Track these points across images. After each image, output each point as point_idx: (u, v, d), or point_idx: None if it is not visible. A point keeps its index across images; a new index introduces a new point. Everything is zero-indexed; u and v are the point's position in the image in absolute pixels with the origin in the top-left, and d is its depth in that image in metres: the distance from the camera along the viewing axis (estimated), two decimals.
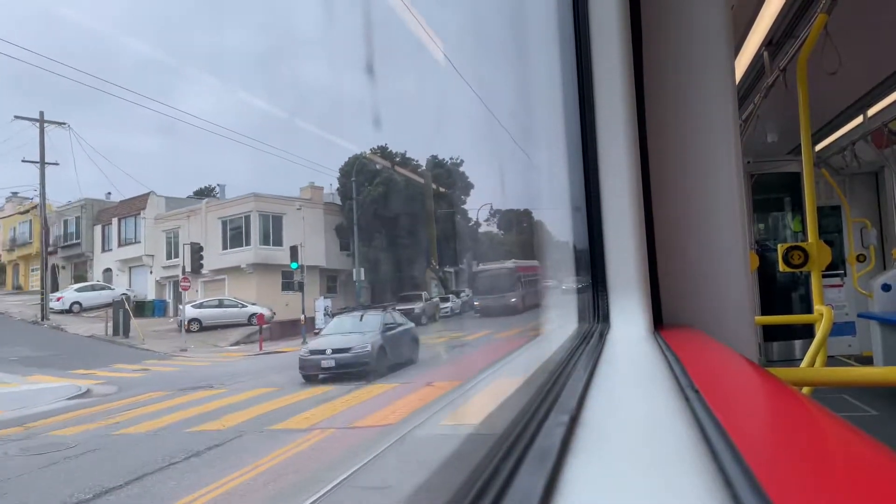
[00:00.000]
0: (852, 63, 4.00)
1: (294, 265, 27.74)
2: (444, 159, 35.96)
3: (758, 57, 4.84)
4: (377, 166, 33.64)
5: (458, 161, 35.74)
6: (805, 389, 3.05)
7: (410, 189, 33.86)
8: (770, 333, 9.13)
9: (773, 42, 4.55)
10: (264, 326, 27.23)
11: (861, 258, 8.80)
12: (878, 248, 9.11)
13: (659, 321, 1.38)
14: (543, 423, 0.65)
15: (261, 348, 23.57)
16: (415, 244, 34.68)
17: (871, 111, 6.42)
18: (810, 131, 3.80)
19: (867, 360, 8.33)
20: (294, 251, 28.37)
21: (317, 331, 24.96)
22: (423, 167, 35.39)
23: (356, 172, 33.52)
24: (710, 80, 1.38)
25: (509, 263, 30.02)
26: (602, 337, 1.29)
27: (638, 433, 0.62)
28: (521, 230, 43.55)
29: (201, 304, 29.32)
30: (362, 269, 31.92)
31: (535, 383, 1.06)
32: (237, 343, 25.41)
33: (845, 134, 7.33)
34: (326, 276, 34.17)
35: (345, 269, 33.88)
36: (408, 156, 36.56)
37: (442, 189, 34.72)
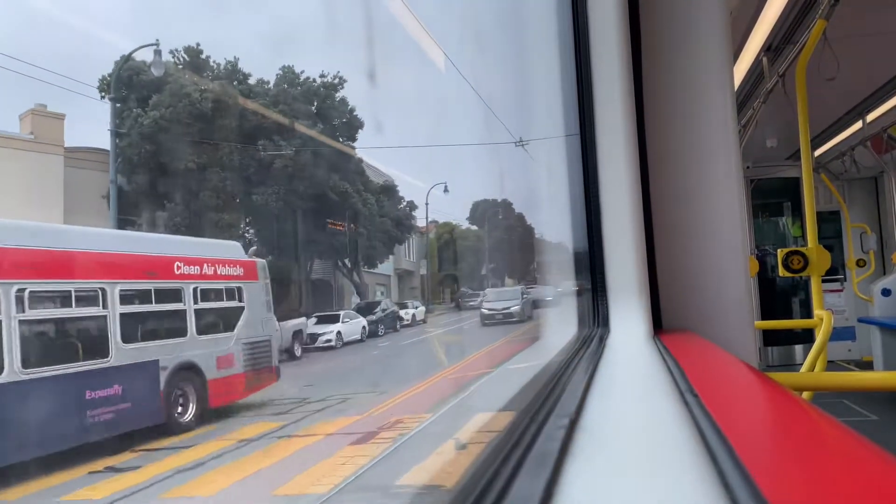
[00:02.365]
0: (851, 69, 4.01)
1: None
2: (303, 74, 21.63)
3: (757, 62, 4.85)
4: (156, 73, 17.84)
5: (335, 81, 22.11)
6: (805, 394, 3.05)
7: (225, 119, 18.65)
8: (770, 338, 9.12)
9: (773, 48, 4.56)
10: None
11: (861, 263, 8.81)
12: (877, 253, 9.11)
13: (658, 325, 1.38)
14: (543, 426, 0.65)
15: None
16: (239, 222, 19.93)
17: (870, 117, 6.42)
18: (809, 136, 3.81)
19: (867, 365, 8.32)
20: None
21: None
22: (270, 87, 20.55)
23: (115, 86, 17.62)
24: (710, 86, 1.38)
25: None
26: (602, 341, 1.29)
27: (637, 437, 0.62)
28: (496, 225, 34.82)
29: None
30: None
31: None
32: None
33: (844, 139, 7.34)
34: None
35: None
36: (241, 67, 20.28)
37: (289, 121, 19.86)
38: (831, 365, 7.34)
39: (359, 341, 20.08)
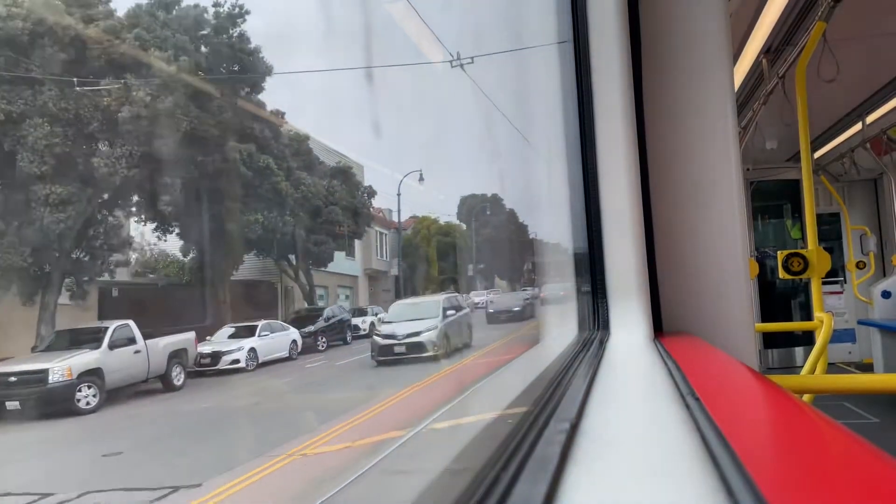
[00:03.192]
0: (851, 70, 4.02)
1: None
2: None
3: (757, 64, 4.85)
4: None
5: (234, 11, 15.50)
6: (806, 397, 3.05)
7: (50, 48, 12.61)
8: (770, 340, 9.11)
9: (772, 49, 4.57)
10: None
11: (861, 265, 8.81)
12: (877, 255, 9.11)
13: (659, 328, 1.37)
14: (543, 430, 0.65)
15: None
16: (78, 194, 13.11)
17: (870, 118, 6.43)
18: (809, 138, 3.81)
19: (867, 368, 8.31)
20: None
21: None
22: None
23: None
24: (710, 88, 1.38)
25: None
26: (602, 344, 1.29)
27: (638, 441, 0.61)
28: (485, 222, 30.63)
29: None
30: None
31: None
32: None
33: (844, 141, 7.35)
34: None
35: None
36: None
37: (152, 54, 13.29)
38: (832, 367, 7.34)
39: (286, 359, 15.76)
